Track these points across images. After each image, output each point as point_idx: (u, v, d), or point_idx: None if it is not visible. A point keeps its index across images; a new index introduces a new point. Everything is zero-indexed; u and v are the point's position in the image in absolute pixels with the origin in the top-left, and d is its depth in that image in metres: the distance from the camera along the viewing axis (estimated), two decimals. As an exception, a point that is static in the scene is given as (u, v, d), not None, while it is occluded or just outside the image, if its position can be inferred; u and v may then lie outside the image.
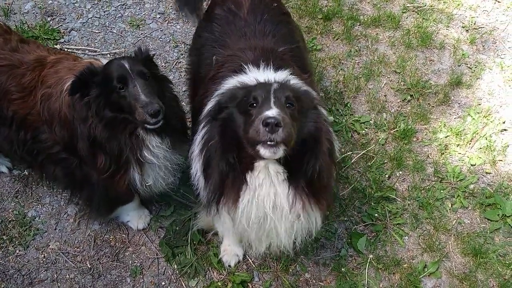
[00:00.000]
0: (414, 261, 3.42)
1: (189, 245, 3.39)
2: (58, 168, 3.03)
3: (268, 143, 2.04)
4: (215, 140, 2.30)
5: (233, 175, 2.29)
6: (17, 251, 3.37)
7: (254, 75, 2.51)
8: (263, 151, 2.08)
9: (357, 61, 4.48)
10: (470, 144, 4.02)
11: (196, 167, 2.52)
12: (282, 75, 2.53)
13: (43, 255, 3.37)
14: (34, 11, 4.59)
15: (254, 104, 2.19)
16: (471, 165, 3.91)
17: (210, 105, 2.51)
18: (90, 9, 4.67)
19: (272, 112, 2.03)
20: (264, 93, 2.19)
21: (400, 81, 4.33)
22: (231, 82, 2.52)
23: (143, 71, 2.58)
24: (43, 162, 3.08)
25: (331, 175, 2.47)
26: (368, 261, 3.38)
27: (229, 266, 3.35)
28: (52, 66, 2.88)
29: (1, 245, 3.38)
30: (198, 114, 2.64)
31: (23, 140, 3.00)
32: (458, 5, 4.97)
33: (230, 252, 3.35)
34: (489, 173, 3.88)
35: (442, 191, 3.73)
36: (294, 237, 2.55)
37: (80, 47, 4.36)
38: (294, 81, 2.52)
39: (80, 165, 2.92)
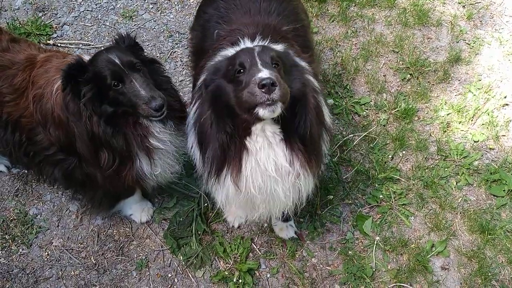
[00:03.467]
0: (421, 241, 3.40)
1: (193, 235, 3.36)
2: (57, 169, 2.98)
3: (267, 102, 2.09)
4: (207, 114, 2.34)
5: (234, 143, 2.34)
6: (21, 250, 3.34)
7: (246, 46, 2.54)
8: (262, 111, 2.13)
9: (354, 42, 4.42)
10: (472, 120, 3.98)
11: (191, 140, 2.58)
12: (267, 43, 2.55)
13: (46, 253, 3.34)
14: (25, 7, 4.51)
15: (242, 70, 2.23)
16: (474, 141, 3.87)
17: (201, 78, 2.55)
18: (82, 3, 4.60)
19: (265, 73, 2.09)
20: (249, 58, 2.24)
21: (398, 60, 4.28)
22: (223, 54, 2.55)
23: (133, 61, 2.53)
24: (40, 164, 3.03)
25: (320, 133, 2.52)
26: (375, 243, 3.36)
27: (233, 226, 3.43)
28: (41, 66, 2.82)
29: (4, 244, 3.35)
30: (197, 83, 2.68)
31: (18, 141, 2.96)
32: (454, -20, 4.89)
33: (234, 213, 3.39)
34: (493, 149, 3.84)
35: (446, 169, 3.70)
36: (289, 199, 2.61)
37: (73, 42, 4.30)
38: (278, 47, 2.53)
39: (79, 164, 2.87)
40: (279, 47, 2.53)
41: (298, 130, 2.35)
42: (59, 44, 4.28)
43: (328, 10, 4.62)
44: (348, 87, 4.11)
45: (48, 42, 4.28)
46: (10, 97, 2.84)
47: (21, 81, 2.81)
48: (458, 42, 4.45)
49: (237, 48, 2.53)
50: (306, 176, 2.48)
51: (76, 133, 2.63)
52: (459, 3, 4.73)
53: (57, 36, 4.36)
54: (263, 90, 2.06)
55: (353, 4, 4.66)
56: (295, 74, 2.37)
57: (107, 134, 2.57)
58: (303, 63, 2.55)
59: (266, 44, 2.52)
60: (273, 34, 2.67)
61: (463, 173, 3.69)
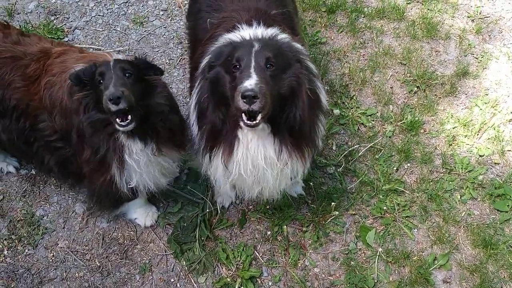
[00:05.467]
0: (424, 253, 3.40)
1: (197, 241, 3.39)
2: (53, 158, 3.04)
3: (247, 122, 2.33)
4: (205, 96, 2.53)
5: (226, 130, 2.53)
6: (26, 251, 3.38)
7: (246, 33, 2.65)
8: (243, 125, 2.38)
9: (362, 54, 4.44)
10: (478, 134, 3.98)
11: (193, 118, 2.73)
12: (269, 31, 2.65)
13: (52, 254, 3.38)
14: (37, 11, 4.58)
15: (237, 66, 2.38)
16: (480, 156, 3.87)
17: (204, 62, 2.67)
18: (93, 8, 4.66)
19: (251, 82, 2.23)
20: (245, 56, 2.36)
21: (406, 72, 4.30)
22: (223, 39, 2.65)
23: (124, 67, 2.55)
24: (38, 150, 3.07)
25: (313, 125, 2.66)
26: (378, 254, 3.37)
27: (223, 208, 3.53)
28: (58, 56, 2.92)
29: (10, 244, 3.40)
30: (195, 72, 2.81)
31: (22, 128, 3.00)
32: (463, -6, 4.92)
33: (223, 194, 3.49)
34: (498, 164, 3.84)
35: (450, 182, 3.70)
36: (280, 183, 2.80)
37: (84, 46, 4.35)
38: (281, 35, 2.64)
39: (74, 156, 2.93)
40: (281, 35, 2.63)
41: (287, 123, 2.49)
42: (70, 48, 4.34)
43: (337, 20, 4.65)
44: (355, 97, 4.13)
45: (60, 45, 4.34)
46: (22, 84, 2.91)
47: (35, 70, 2.88)
48: (466, 56, 4.47)
49: (239, 33, 2.65)
50: (295, 163, 2.66)
51: (73, 121, 2.72)
52: (468, 17, 4.74)
53: (69, 40, 4.42)
54: (244, 101, 2.23)
55: (362, 16, 4.69)
56: (292, 70, 2.47)
57: (88, 134, 2.66)
58: (302, 49, 2.68)
59: (267, 34, 2.62)
60: (264, 18, 2.79)
61: (467, 187, 3.69)
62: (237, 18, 2.81)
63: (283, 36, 2.65)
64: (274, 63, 2.39)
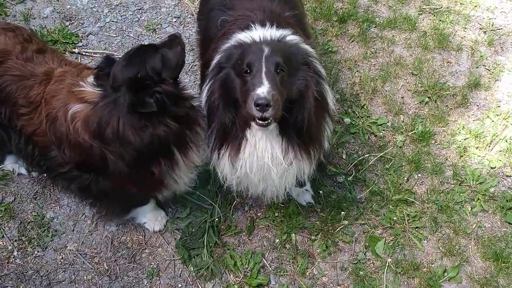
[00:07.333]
0: (433, 265, 3.37)
1: (205, 247, 3.39)
2: (73, 184, 2.97)
3: (260, 122, 2.40)
4: (216, 95, 2.60)
5: (235, 129, 2.61)
6: (36, 252, 3.40)
7: (256, 34, 2.69)
8: (255, 125, 2.46)
9: (373, 63, 4.44)
10: (489, 146, 3.96)
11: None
12: (278, 33, 2.70)
13: (61, 256, 3.39)
14: (53, 16, 4.65)
15: (248, 71, 2.46)
16: (491, 167, 3.84)
17: (216, 59, 2.71)
18: (108, 14, 4.72)
19: (263, 90, 2.32)
20: (256, 61, 2.43)
21: (417, 83, 4.29)
22: (234, 40, 2.70)
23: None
24: (56, 178, 3.06)
25: (319, 127, 2.74)
26: (387, 265, 3.34)
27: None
28: (55, 82, 2.79)
29: (20, 246, 3.41)
30: (206, 69, 2.84)
31: (31, 154, 2.96)
32: (475, 6, 4.90)
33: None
34: (510, 176, 3.81)
35: (461, 194, 3.67)
36: (285, 182, 2.87)
37: (97, 51, 4.40)
38: (290, 37, 2.69)
39: (96, 179, 2.85)
40: (290, 37, 2.69)
41: (295, 125, 2.56)
42: (83, 53, 4.39)
43: (348, 30, 4.66)
44: (365, 107, 4.13)
45: (74, 50, 4.39)
46: (25, 110, 2.83)
47: (36, 95, 2.79)
48: (478, 67, 4.45)
49: (250, 34, 2.70)
50: (300, 163, 2.73)
51: (114, 153, 2.60)
52: (480, 28, 4.74)
53: (82, 45, 4.47)
54: (257, 108, 2.32)
55: (374, 26, 4.70)
56: (300, 74, 2.55)
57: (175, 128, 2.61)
58: (311, 51, 2.74)
59: (277, 35, 2.67)
60: (278, 20, 2.84)
61: (478, 199, 3.66)
62: (251, 17, 2.86)
63: (292, 38, 2.70)
64: (283, 68, 2.46)
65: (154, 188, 2.97)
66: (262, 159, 2.65)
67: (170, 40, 2.70)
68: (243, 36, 2.69)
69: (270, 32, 2.69)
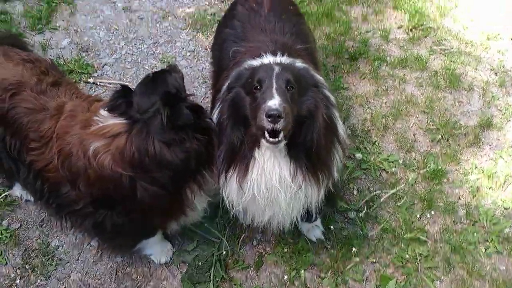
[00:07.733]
0: (447, 307, 3.25)
1: (211, 281, 3.30)
2: (87, 221, 2.86)
3: (270, 139, 2.38)
4: (225, 116, 2.60)
5: (243, 149, 2.58)
6: (39, 281, 3.33)
7: (266, 60, 2.73)
8: (265, 142, 2.43)
9: (384, 101, 4.46)
10: (502, 187, 3.89)
11: None
12: (289, 59, 2.73)
13: (64, 286, 3.32)
14: (70, 47, 4.76)
15: (258, 87, 2.46)
16: (505, 208, 3.76)
17: (226, 83, 2.74)
18: (123, 46, 4.83)
19: (275, 102, 2.31)
20: (267, 78, 2.45)
21: (429, 121, 4.28)
22: (248, 63, 2.74)
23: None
24: (67, 215, 2.94)
25: (328, 150, 2.69)
26: (399, 306, 3.23)
27: None
28: (66, 118, 2.73)
29: (23, 274, 3.35)
30: (217, 96, 2.85)
31: (40, 190, 2.87)
32: (486, 48, 4.96)
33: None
34: (525, 218, 3.72)
35: (475, 234, 3.58)
36: (292, 210, 2.79)
37: (112, 81, 4.47)
38: (299, 64, 2.71)
39: (110, 214, 2.76)
40: (299, 63, 2.72)
41: (304, 145, 2.54)
42: (98, 83, 4.46)
43: (359, 67, 4.72)
44: (377, 143, 4.11)
45: (88, 80, 4.47)
46: (35, 145, 2.75)
47: (47, 130, 2.73)
48: (489, 107, 4.45)
49: (261, 61, 2.73)
50: (309, 188, 2.66)
51: (143, 179, 2.55)
52: (491, 69, 4.77)
53: (98, 75, 4.55)
54: (269, 120, 2.30)
55: (385, 64, 4.75)
56: (309, 94, 2.56)
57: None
58: (321, 78, 2.76)
59: (286, 61, 2.71)
60: (289, 51, 2.87)
61: (492, 240, 3.57)
62: (263, 48, 2.90)
63: (302, 64, 2.74)
64: (294, 85, 2.48)
65: (177, 215, 2.89)
66: (270, 181, 2.60)
67: (170, 67, 2.70)
68: (254, 62, 2.74)
69: (281, 59, 2.74)
